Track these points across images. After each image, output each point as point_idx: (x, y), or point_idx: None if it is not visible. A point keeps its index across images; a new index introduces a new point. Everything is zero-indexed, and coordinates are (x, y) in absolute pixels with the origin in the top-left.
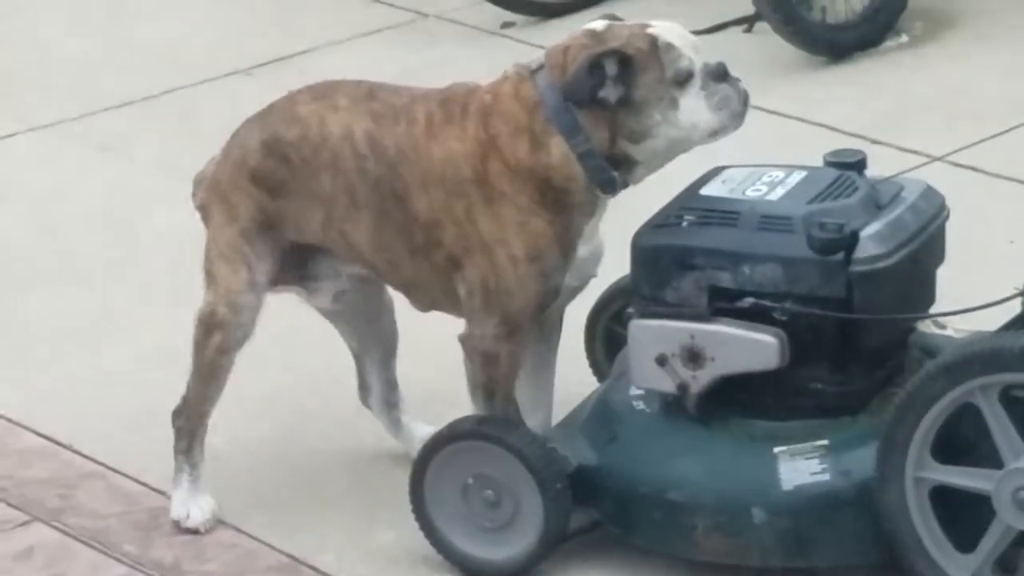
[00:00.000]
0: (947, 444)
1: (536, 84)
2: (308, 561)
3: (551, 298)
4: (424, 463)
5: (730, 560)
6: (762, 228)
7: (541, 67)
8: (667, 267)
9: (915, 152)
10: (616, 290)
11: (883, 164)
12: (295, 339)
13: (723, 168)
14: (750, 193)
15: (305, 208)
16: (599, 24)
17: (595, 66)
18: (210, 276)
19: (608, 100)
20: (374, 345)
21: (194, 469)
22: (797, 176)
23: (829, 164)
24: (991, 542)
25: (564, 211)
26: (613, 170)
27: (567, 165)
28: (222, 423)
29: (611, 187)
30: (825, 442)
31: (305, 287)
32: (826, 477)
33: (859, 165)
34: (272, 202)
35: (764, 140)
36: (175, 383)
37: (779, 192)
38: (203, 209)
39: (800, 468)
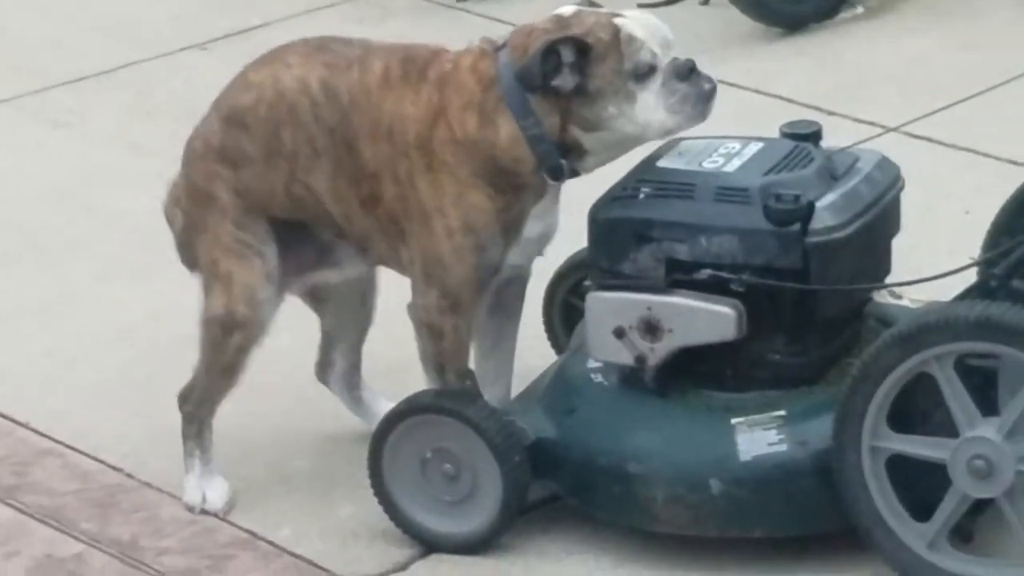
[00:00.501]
0: (903, 413)
1: (496, 61)
2: (266, 536)
3: (490, 274)
4: (382, 437)
5: (689, 531)
6: (719, 200)
7: (505, 45)
8: (624, 239)
9: (870, 123)
10: (574, 263)
11: (839, 135)
12: None
13: (679, 140)
14: (707, 165)
15: (268, 171)
16: (568, 9)
17: (550, 52)
18: (220, 278)
19: (562, 88)
20: (351, 328)
21: (205, 452)
22: (753, 148)
23: (785, 135)
24: (947, 511)
25: (508, 190)
26: (562, 157)
27: (514, 146)
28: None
29: (558, 174)
30: (782, 413)
31: (326, 266)
32: (783, 447)
33: (815, 136)
34: (240, 178)
35: (720, 112)
36: (133, 361)
37: (735, 164)
38: (186, 216)
39: (757, 439)
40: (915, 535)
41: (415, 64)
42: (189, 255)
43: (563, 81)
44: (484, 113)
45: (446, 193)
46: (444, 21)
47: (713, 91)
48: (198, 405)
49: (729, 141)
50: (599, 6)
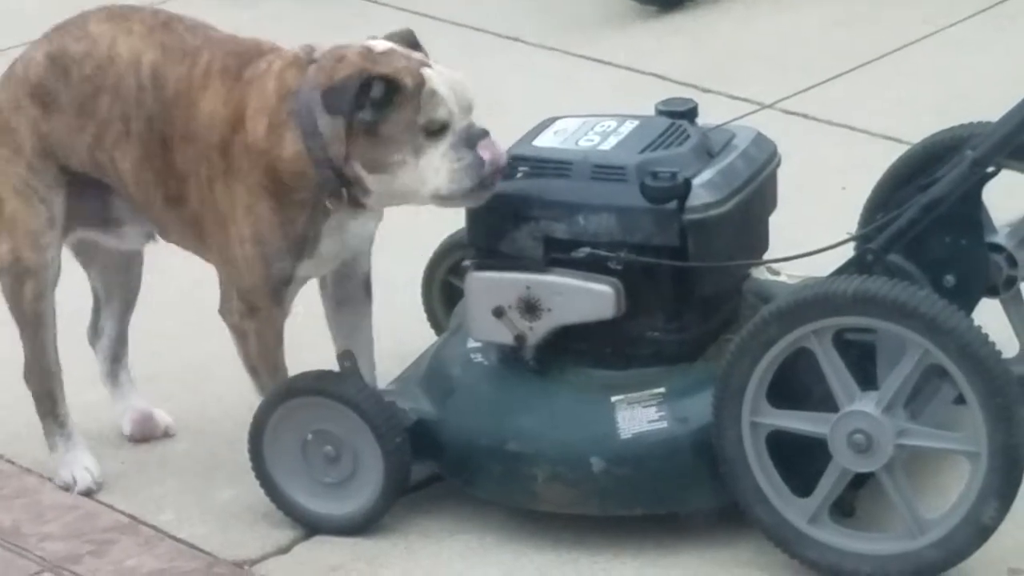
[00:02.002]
0: (783, 389)
1: (303, 74)
2: (148, 520)
3: (282, 283)
4: (263, 419)
5: (570, 509)
6: (595, 178)
7: (315, 61)
8: (502, 219)
9: (746, 100)
10: (452, 243)
11: (714, 112)
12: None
13: (555, 118)
14: (583, 143)
15: (76, 127)
16: (381, 44)
17: (365, 85)
18: (5, 221)
19: (361, 121)
20: (117, 294)
21: (63, 428)
22: (629, 125)
23: (661, 113)
24: (828, 485)
25: (293, 205)
26: (343, 186)
27: (297, 162)
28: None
29: (338, 201)
30: (662, 390)
31: (108, 231)
32: (664, 424)
33: (690, 114)
34: (46, 121)
35: (596, 90)
36: (9, 346)
37: (612, 142)
38: None
39: (638, 416)
40: (796, 510)
41: (238, 60)
42: None
43: (364, 115)
44: (273, 124)
45: (238, 201)
46: (322, 5)
47: (498, 169)
48: (39, 377)
49: (605, 119)
50: (419, 48)
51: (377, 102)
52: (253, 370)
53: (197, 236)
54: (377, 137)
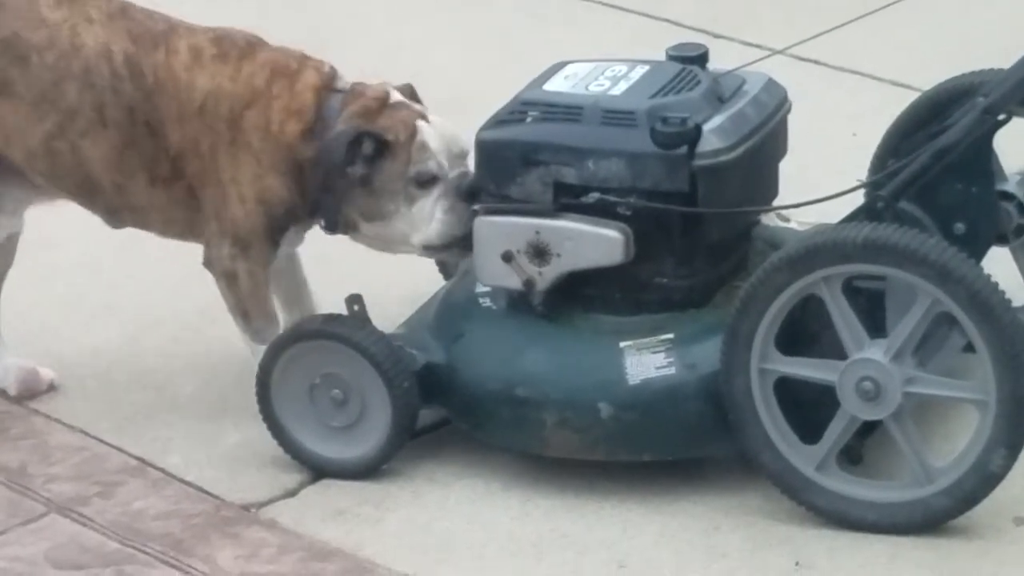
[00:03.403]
0: (791, 336)
1: (329, 99)
2: (156, 463)
3: (279, 231)
4: (271, 363)
5: (578, 455)
6: (605, 123)
7: (339, 91)
8: (511, 163)
9: (757, 46)
10: None
11: (725, 58)
12: (135, 247)
13: (566, 63)
14: (593, 88)
15: (30, 114)
16: (396, 95)
17: (355, 142)
18: None
19: (352, 175)
20: None
21: None
22: (640, 71)
23: (671, 58)
24: (835, 433)
25: (303, 192)
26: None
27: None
28: (65, 328)
29: (331, 228)
30: (670, 336)
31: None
32: (672, 371)
33: (701, 59)
34: None
35: (607, 35)
36: (17, 287)
37: (622, 87)
38: None
39: (646, 362)
40: (804, 457)
41: (235, 45)
42: None
43: (355, 171)
44: (307, 131)
45: (244, 170)
46: None
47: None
48: None
49: (616, 64)
50: (419, 101)
51: (368, 157)
52: (245, 315)
53: (184, 212)
54: (371, 188)
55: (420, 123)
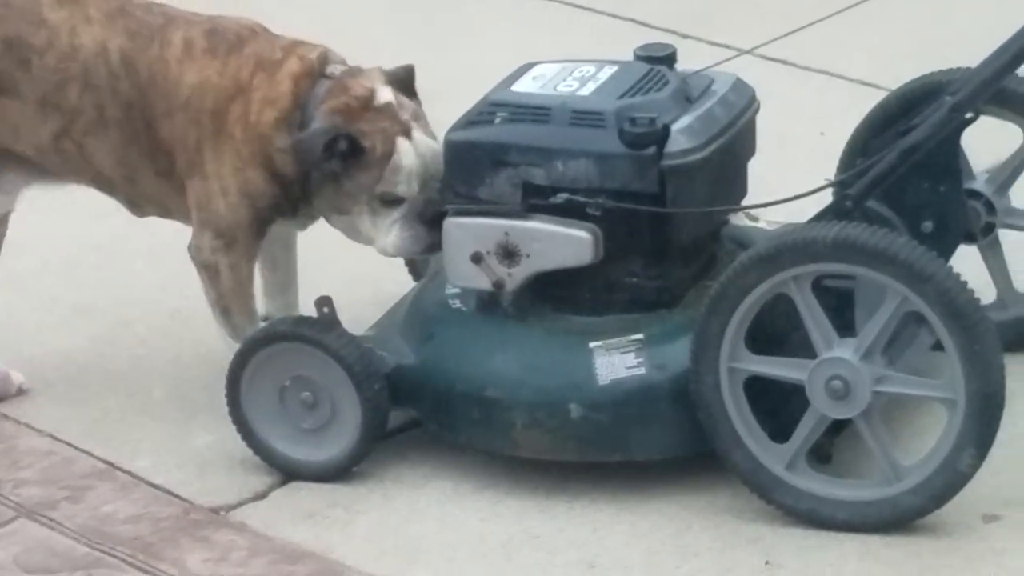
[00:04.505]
0: (761, 335)
1: (314, 86)
2: (124, 467)
3: (263, 223)
4: (241, 365)
5: (548, 456)
6: (574, 123)
7: (325, 77)
8: (480, 164)
9: (725, 46)
10: None
11: (693, 58)
12: (110, 248)
13: (534, 64)
14: (561, 88)
15: (35, 114)
16: (384, 95)
17: (333, 141)
18: None
19: (327, 170)
20: None
21: None
22: (608, 71)
23: (639, 59)
24: (805, 431)
25: (286, 183)
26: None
27: (288, 162)
28: (34, 332)
29: (290, 212)
30: (640, 336)
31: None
32: (642, 371)
33: (669, 59)
34: None
35: (575, 35)
36: None
37: (590, 87)
38: None
39: (616, 362)
40: (773, 456)
41: (225, 38)
42: None
43: (331, 166)
44: (280, 120)
45: (226, 163)
46: None
47: (437, 247)
48: None
49: (584, 65)
50: (414, 91)
51: (343, 155)
52: (225, 311)
53: (182, 195)
54: (340, 187)
55: (400, 141)
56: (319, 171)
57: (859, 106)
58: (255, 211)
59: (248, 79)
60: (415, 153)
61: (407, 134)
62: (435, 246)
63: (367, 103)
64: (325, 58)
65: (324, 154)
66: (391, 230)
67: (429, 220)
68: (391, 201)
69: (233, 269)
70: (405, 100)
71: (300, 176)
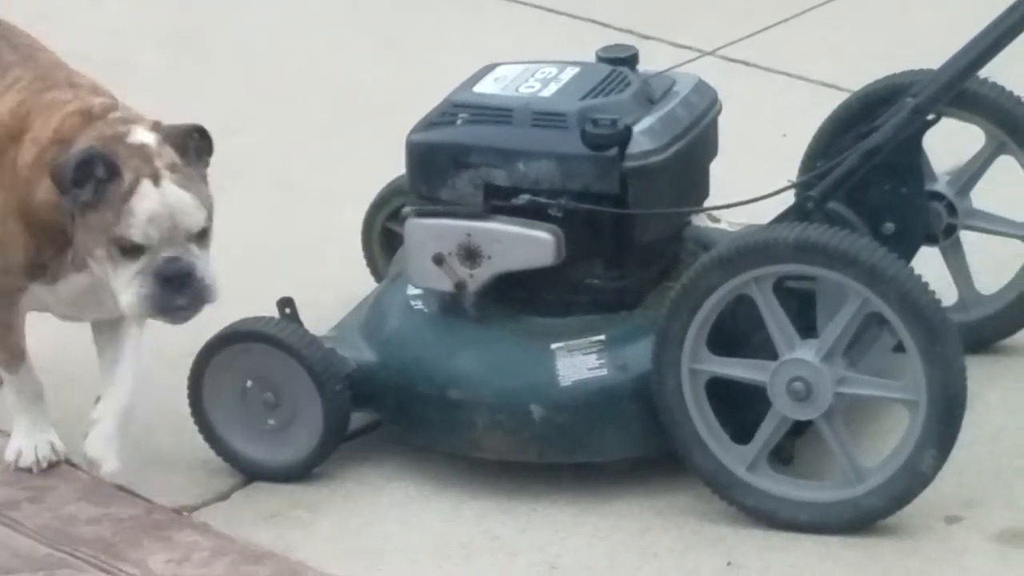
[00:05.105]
0: (722, 336)
1: (84, 127)
2: (86, 467)
3: (10, 295)
4: (202, 366)
5: (510, 457)
6: (536, 125)
7: (101, 121)
8: (442, 165)
9: (687, 47)
10: (392, 189)
11: (655, 59)
12: None
13: (495, 65)
14: (523, 90)
15: None
16: (143, 136)
17: (87, 162)
18: None
19: (80, 200)
20: None
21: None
22: (570, 72)
23: (601, 60)
24: (767, 432)
25: (39, 237)
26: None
27: (47, 211)
28: None
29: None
30: (602, 337)
31: None
32: (603, 372)
33: (631, 60)
34: None
35: (537, 36)
36: None
37: (552, 88)
38: None
39: (577, 363)
40: (735, 457)
41: (42, 84)
42: None
43: (83, 195)
44: (38, 162)
45: None
46: None
47: (181, 312)
48: None
49: (545, 66)
50: (197, 151)
51: (100, 181)
52: None
53: None
54: (87, 222)
55: (144, 182)
56: (73, 200)
57: (821, 107)
58: (3, 273)
59: (29, 121)
60: (160, 201)
61: (155, 179)
62: (177, 310)
63: (121, 138)
64: (110, 107)
65: (77, 174)
66: (129, 286)
67: (170, 279)
68: (129, 249)
69: None
70: (168, 151)
71: (60, 225)
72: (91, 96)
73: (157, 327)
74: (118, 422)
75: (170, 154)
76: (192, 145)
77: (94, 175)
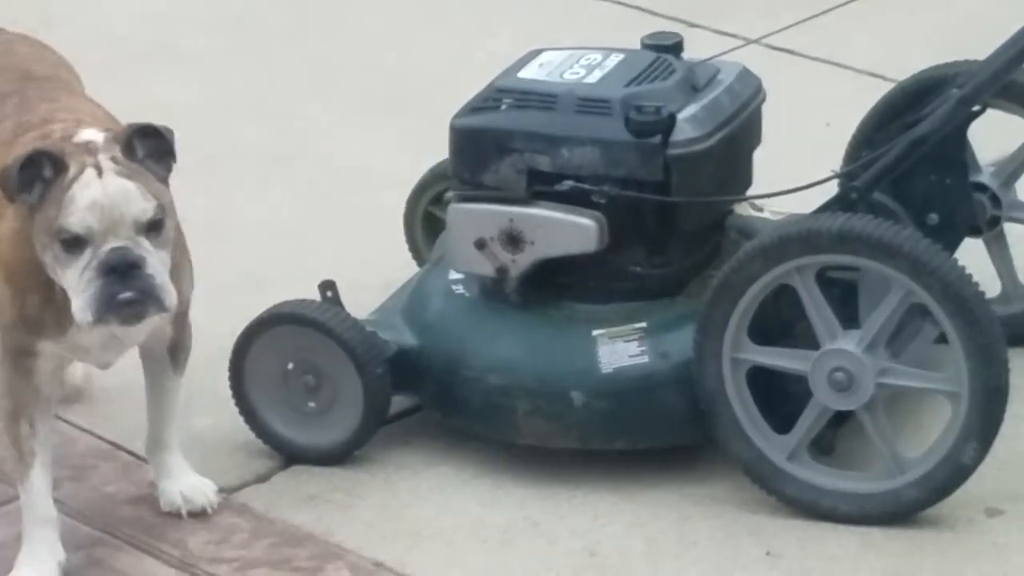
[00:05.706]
0: (764, 326)
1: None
2: (126, 447)
3: (24, 355)
4: (243, 348)
5: (550, 443)
6: (580, 111)
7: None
8: (485, 150)
9: (732, 35)
10: (436, 174)
11: (700, 47)
12: None
13: (540, 51)
14: (568, 76)
15: None
16: (87, 134)
17: (31, 161)
18: None
19: (26, 202)
20: None
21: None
22: (615, 59)
23: (646, 47)
24: (807, 423)
25: (18, 282)
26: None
27: (13, 246)
28: None
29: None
30: (643, 324)
31: None
32: (645, 359)
33: (676, 48)
34: None
35: (582, 23)
36: None
37: (597, 75)
38: None
39: (619, 351)
40: (775, 447)
41: (29, 113)
42: None
43: (28, 198)
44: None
45: None
46: None
47: (128, 308)
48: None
49: (590, 52)
50: (162, 151)
51: (46, 181)
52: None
53: None
54: (36, 226)
55: (88, 171)
56: (23, 204)
57: (865, 97)
58: (5, 331)
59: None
60: (102, 190)
61: (98, 169)
62: (123, 305)
63: (68, 138)
64: (74, 128)
65: (24, 176)
66: (77, 286)
67: (115, 268)
68: (71, 243)
69: (7, 383)
70: (115, 148)
71: (32, 259)
72: (60, 124)
73: (198, 309)
74: (180, 458)
75: (116, 150)
76: (145, 144)
77: (41, 175)
